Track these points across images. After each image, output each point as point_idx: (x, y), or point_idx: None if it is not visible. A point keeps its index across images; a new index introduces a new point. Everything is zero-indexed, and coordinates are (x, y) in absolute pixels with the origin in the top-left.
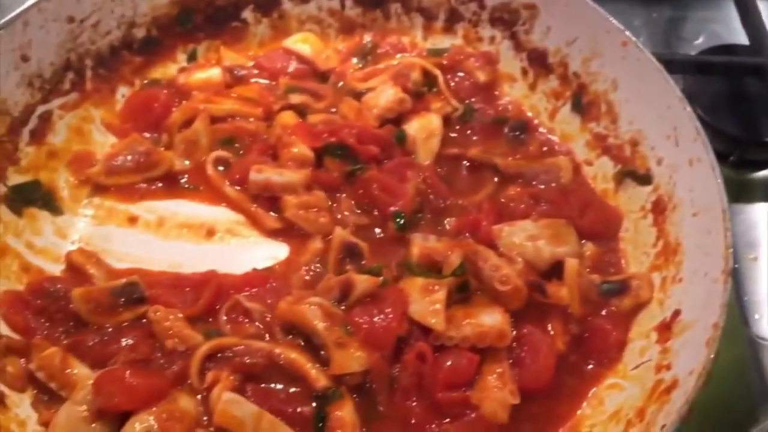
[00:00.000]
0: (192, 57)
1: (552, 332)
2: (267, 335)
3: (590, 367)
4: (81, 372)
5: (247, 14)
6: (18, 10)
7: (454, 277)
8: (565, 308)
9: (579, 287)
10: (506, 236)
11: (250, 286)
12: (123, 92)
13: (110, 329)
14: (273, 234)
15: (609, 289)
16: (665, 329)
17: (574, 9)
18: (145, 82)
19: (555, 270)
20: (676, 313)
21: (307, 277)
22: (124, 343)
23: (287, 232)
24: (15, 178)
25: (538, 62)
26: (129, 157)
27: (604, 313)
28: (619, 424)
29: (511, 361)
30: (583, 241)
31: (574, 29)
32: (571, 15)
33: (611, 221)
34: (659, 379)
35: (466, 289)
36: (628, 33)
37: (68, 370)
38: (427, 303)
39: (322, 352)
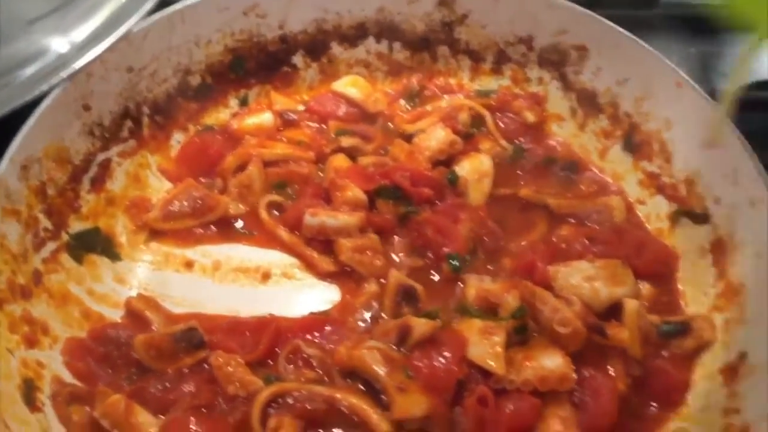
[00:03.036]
0: (244, 102)
1: (613, 374)
2: (326, 379)
3: (653, 409)
4: (145, 419)
5: (297, 59)
6: (82, 62)
7: (513, 319)
8: (624, 350)
9: (639, 329)
10: (562, 277)
11: (308, 329)
12: (178, 138)
13: (171, 375)
14: (327, 277)
15: (669, 330)
16: (731, 372)
17: (626, 50)
18: (199, 128)
19: (611, 311)
20: (742, 356)
21: (362, 321)
22: (185, 389)
23: (341, 274)
24: (76, 226)
25: (588, 102)
26: (185, 203)
27: (665, 354)
28: None
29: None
30: (639, 282)
31: (626, 70)
32: (622, 56)
33: (668, 261)
34: (728, 423)
35: (524, 332)
36: (682, 73)
37: (132, 418)
38: (486, 345)
39: (383, 397)
